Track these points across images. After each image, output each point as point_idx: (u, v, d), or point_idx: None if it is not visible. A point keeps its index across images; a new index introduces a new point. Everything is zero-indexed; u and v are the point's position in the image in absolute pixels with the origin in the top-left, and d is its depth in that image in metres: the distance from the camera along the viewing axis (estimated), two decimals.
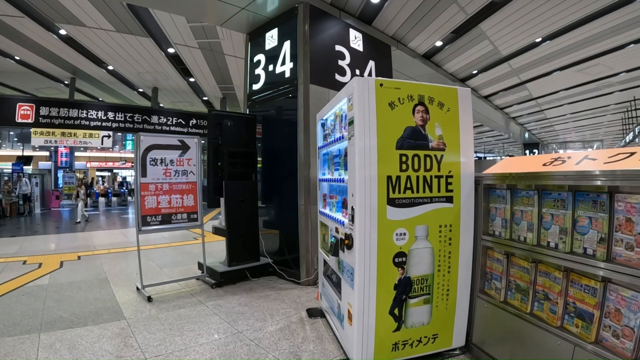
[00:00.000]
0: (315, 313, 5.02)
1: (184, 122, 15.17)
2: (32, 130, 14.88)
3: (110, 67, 14.12)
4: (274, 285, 6.47)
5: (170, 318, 5.08)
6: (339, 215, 4.10)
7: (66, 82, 15.66)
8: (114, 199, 28.25)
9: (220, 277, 6.40)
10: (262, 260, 6.97)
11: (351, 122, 3.45)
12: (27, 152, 33.48)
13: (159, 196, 6.16)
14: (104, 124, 14.33)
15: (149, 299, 5.76)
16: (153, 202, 6.11)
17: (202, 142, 6.96)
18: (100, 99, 18.49)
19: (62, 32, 11.01)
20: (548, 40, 10.27)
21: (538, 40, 10.23)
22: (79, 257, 9.08)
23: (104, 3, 8.99)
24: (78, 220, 15.21)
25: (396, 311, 3.48)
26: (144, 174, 6.04)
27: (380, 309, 3.42)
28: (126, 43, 11.54)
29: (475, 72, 12.96)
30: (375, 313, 3.41)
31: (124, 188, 29.64)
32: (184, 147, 6.43)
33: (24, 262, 8.55)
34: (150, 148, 6.10)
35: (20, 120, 13.45)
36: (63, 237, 13.50)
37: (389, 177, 3.37)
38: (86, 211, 18.91)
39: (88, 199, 26.50)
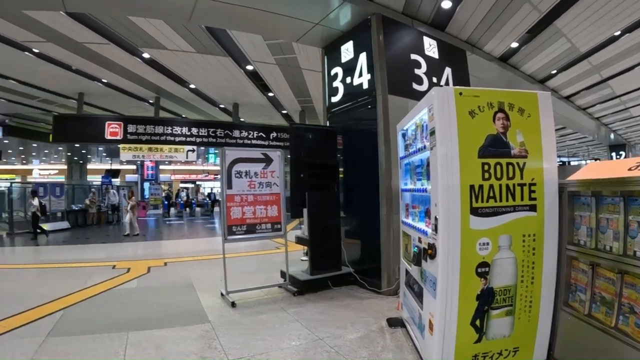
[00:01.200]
0: (395, 323, 5.01)
1: (264, 136, 15.46)
2: (121, 146, 15.84)
3: (192, 86, 14.76)
4: (355, 294, 6.52)
5: (253, 323, 5.26)
6: (421, 225, 4.10)
7: (151, 101, 16.52)
8: (197, 209, 29.41)
9: (302, 286, 6.56)
10: (344, 270, 7.05)
11: (432, 132, 3.49)
12: (115, 166, 35.60)
13: (244, 207, 6.44)
14: (188, 139, 14.90)
15: (233, 304, 5.99)
16: (238, 213, 6.40)
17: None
18: (183, 116, 19.31)
19: (146, 55, 11.65)
20: (627, 33, 9.64)
21: (617, 33, 9.64)
22: (165, 264, 9.60)
23: (183, 27, 9.46)
24: (127, 232, 15.67)
25: (478, 322, 3.44)
26: (229, 186, 6.34)
27: (461, 320, 3.39)
28: (206, 63, 12.01)
29: (554, 72, 12.46)
30: (456, 323, 3.38)
31: (207, 199, 30.66)
32: (267, 160, 6.67)
33: (113, 267, 9.14)
34: (235, 161, 6.40)
35: (109, 137, 14.20)
36: (149, 245, 14.37)
37: (472, 186, 3.37)
38: (171, 219, 19.82)
39: (172, 208, 27.86)
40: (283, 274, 7.11)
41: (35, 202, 15.69)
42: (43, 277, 8.75)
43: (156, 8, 7.59)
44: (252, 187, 6.53)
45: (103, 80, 14.25)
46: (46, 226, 17.49)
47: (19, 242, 14.75)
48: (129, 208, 16.05)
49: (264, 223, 6.62)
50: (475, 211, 3.36)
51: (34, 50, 11.30)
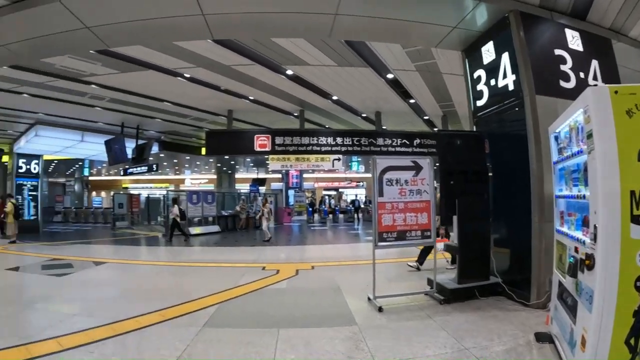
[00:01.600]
0: (543, 338, 4.75)
1: (408, 142, 15.25)
2: (270, 157, 16.80)
3: (334, 98, 15.19)
4: (502, 305, 6.28)
5: (399, 328, 5.33)
6: (578, 234, 3.85)
7: (295, 114, 17.26)
8: (340, 215, 30.12)
9: (450, 294, 6.46)
10: (491, 279, 6.82)
11: (590, 135, 3.32)
12: (261, 175, 37.98)
13: (394, 214, 6.50)
14: (333, 148, 15.22)
15: (380, 309, 6.08)
16: (389, 220, 6.47)
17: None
18: (327, 126, 19.96)
19: (289, 72, 12.26)
20: None
21: None
22: (312, 267, 9.98)
23: (324, 43, 9.82)
24: (266, 238, 16.42)
25: (632, 341, 3.15)
26: (380, 193, 6.45)
27: (615, 337, 3.14)
28: (347, 75, 12.32)
29: None
30: (610, 341, 3.14)
31: (350, 206, 31.17)
32: (417, 168, 6.67)
33: (263, 268, 9.74)
34: (386, 170, 6.51)
35: (258, 149, 15.02)
36: (297, 249, 15.17)
37: (632, 192, 3.12)
38: (315, 225, 20.57)
39: (316, 215, 28.91)
40: (430, 282, 7.05)
41: (175, 209, 17.41)
42: (198, 274, 9.70)
43: (297, 28, 8.03)
44: (403, 195, 6.56)
45: (250, 97, 15.23)
46: (199, 229, 19.61)
47: (174, 243, 16.55)
48: (266, 215, 16.97)
49: (414, 230, 6.62)
50: (636, 219, 3.11)
51: (185, 75, 12.52)
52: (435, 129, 19.79)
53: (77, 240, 18.17)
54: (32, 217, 21.70)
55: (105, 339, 4.99)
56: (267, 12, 7.29)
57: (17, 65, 10.77)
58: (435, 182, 6.94)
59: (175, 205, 17.64)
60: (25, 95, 14.29)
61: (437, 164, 7.26)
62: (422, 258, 9.03)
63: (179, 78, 12.74)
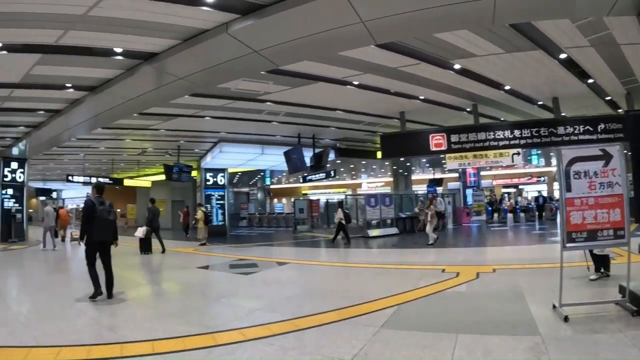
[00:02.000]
0: None
1: (591, 129, 13.63)
2: (447, 156, 16.51)
3: (506, 87, 14.44)
4: None
5: (586, 342, 4.81)
6: None
7: (468, 110, 16.79)
8: (521, 214, 28.32)
9: None
10: None
11: None
12: (438, 175, 37.65)
13: (584, 211, 5.86)
14: (511, 142, 14.44)
15: (566, 318, 5.52)
16: (578, 218, 5.85)
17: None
18: (502, 119, 19.10)
19: (457, 66, 11.91)
20: None
21: None
22: (494, 270, 9.53)
23: (489, 31, 9.38)
24: (430, 242, 15.73)
25: None
26: (568, 188, 5.88)
27: None
28: (517, 61, 11.62)
29: None
30: None
31: (532, 204, 28.92)
32: (607, 157, 5.89)
33: (443, 271, 9.57)
34: (573, 161, 5.90)
35: (434, 149, 14.88)
36: (477, 251, 14.89)
37: None
38: (495, 225, 19.54)
39: (495, 215, 27.58)
40: (621, 289, 6.13)
41: (339, 212, 18.06)
42: (376, 275, 9.92)
43: (457, 20, 7.81)
44: (592, 189, 5.86)
45: (420, 97, 15.20)
46: (377, 232, 20.23)
47: (353, 245, 17.19)
48: (429, 217, 16.45)
49: (606, 229, 5.86)
50: None
51: (354, 82, 12.94)
52: (620, 110, 17.58)
53: (261, 243, 20.25)
54: (220, 223, 25.36)
55: (286, 333, 5.40)
56: (424, 8, 7.16)
57: (197, 93, 12.21)
58: None
59: (339, 209, 18.40)
60: (207, 118, 16.35)
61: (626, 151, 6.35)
62: (598, 264, 7.87)
63: (348, 86, 13.21)
